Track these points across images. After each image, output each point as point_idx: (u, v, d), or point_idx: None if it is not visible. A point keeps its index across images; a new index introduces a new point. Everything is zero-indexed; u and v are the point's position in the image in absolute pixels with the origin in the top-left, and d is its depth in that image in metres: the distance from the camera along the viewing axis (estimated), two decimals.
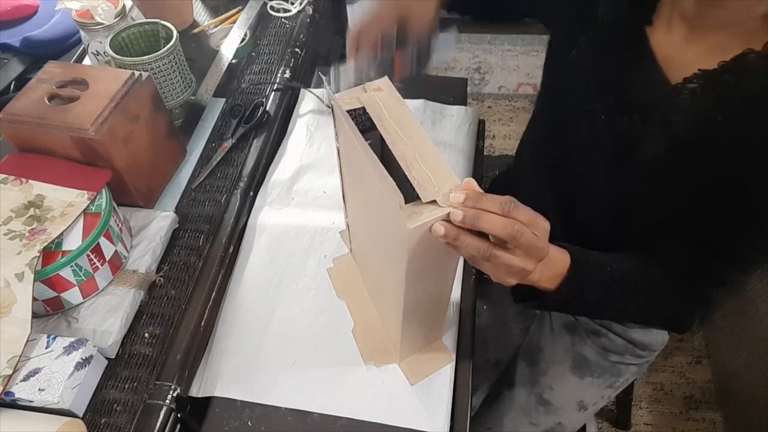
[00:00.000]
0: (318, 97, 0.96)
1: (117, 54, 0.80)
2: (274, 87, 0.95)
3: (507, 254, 0.47)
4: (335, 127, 0.59)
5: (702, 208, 0.61)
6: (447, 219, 0.45)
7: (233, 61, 0.99)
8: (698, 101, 0.57)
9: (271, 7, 1.09)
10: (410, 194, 0.46)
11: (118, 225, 0.71)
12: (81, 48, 1.00)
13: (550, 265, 0.56)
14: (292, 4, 1.10)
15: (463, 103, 0.99)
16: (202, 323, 0.69)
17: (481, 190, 0.46)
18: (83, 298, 0.68)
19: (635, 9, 0.61)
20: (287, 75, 0.97)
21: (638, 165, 0.63)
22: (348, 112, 0.54)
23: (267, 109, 0.91)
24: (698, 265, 0.63)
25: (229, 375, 0.67)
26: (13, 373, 0.59)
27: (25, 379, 0.59)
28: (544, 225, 0.47)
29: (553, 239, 0.53)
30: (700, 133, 0.58)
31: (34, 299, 0.63)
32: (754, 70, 0.54)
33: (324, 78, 0.58)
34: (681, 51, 0.59)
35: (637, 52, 0.62)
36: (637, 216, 0.69)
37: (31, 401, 0.59)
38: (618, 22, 0.63)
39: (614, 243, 0.69)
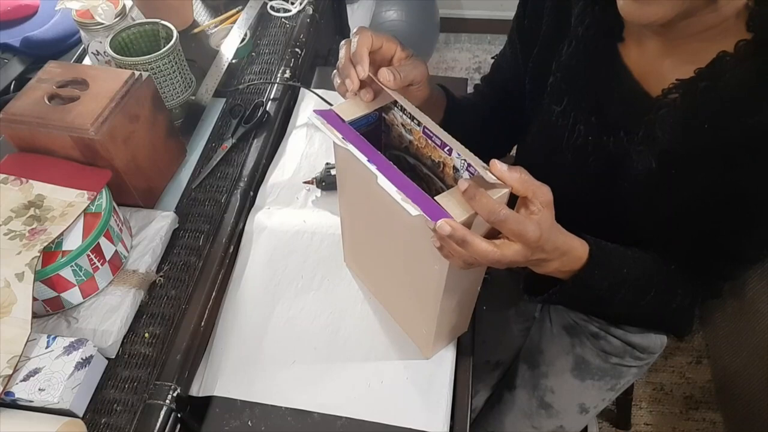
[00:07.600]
0: (321, 97, 0.96)
1: (117, 54, 0.80)
2: (274, 87, 0.95)
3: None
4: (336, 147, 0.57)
5: (701, 213, 0.61)
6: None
7: (233, 61, 0.99)
8: (680, 112, 0.57)
9: (271, 7, 1.09)
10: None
11: (118, 225, 0.71)
12: (81, 48, 1.00)
13: (570, 258, 0.55)
14: (292, 4, 1.10)
15: None
16: (202, 323, 0.69)
17: (506, 168, 0.46)
18: (83, 298, 0.68)
19: (604, 28, 0.60)
20: (287, 75, 0.97)
21: (631, 182, 0.63)
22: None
23: (267, 109, 0.91)
24: (706, 264, 0.64)
25: (229, 375, 0.67)
26: (13, 373, 0.59)
27: (25, 379, 0.59)
28: (532, 236, 0.47)
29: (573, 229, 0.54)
30: (688, 143, 0.57)
31: (34, 299, 0.63)
32: (730, 73, 0.53)
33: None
34: (656, 63, 0.58)
35: (611, 69, 0.61)
36: (631, 228, 0.69)
37: (31, 401, 0.59)
38: (588, 42, 0.62)
39: None
